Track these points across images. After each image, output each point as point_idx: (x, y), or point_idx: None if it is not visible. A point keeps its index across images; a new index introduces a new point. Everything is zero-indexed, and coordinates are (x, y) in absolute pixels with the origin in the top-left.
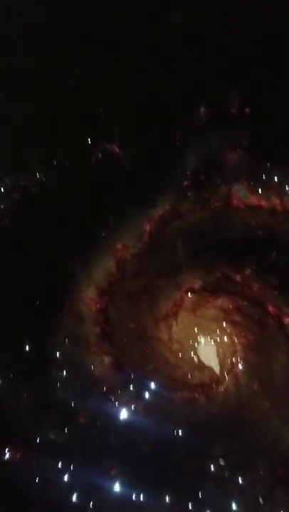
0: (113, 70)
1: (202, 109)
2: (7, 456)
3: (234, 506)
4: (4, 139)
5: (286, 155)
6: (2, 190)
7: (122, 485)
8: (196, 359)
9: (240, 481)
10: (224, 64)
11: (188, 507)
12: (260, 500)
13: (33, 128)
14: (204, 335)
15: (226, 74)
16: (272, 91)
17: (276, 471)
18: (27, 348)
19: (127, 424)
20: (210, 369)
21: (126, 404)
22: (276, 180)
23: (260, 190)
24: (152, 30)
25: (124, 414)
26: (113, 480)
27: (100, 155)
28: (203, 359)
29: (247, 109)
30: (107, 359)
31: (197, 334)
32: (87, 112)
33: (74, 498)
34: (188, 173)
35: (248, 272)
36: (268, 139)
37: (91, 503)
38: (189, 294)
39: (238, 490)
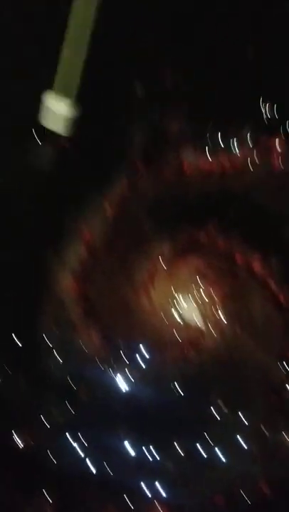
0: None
1: (138, 86)
2: (16, 438)
3: (240, 439)
4: None
5: (224, 116)
6: None
7: (132, 444)
8: (178, 318)
9: (241, 416)
10: (151, 42)
11: (197, 448)
12: (262, 427)
13: None
14: (182, 294)
15: (155, 51)
16: (200, 62)
17: (270, 399)
18: (16, 339)
19: (125, 388)
20: (193, 324)
21: (120, 371)
22: (220, 140)
23: (207, 153)
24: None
25: (120, 380)
26: (123, 441)
27: (52, 150)
28: (185, 316)
29: (180, 81)
30: (94, 335)
31: (175, 295)
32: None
33: (89, 464)
34: (136, 150)
35: (211, 230)
36: (205, 104)
37: (107, 466)
38: (161, 260)
39: (241, 424)
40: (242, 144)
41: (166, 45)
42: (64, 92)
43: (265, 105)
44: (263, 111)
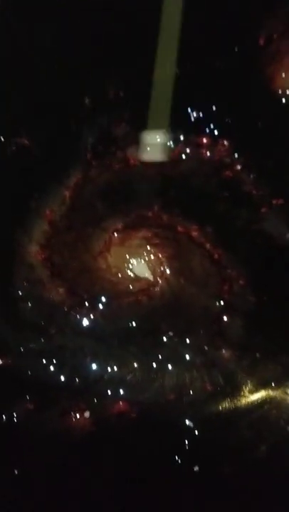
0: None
1: (86, 99)
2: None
3: (187, 357)
4: None
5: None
6: None
7: (98, 364)
8: (132, 275)
9: (187, 341)
10: (96, 58)
11: (152, 365)
12: (205, 348)
13: None
14: (135, 258)
15: (99, 66)
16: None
17: (212, 327)
18: None
19: (90, 326)
20: (145, 279)
21: (85, 315)
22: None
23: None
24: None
25: (86, 321)
26: (90, 361)
27: (14, 148)
28: (138, 274)
29: (121, 93)
30: (61, 290)
31: (129, 259)
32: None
33: (62, 377)
34: (88, 148)
35: (156, 208)
36: (144, 111)
37: (77, 380)
38: (115, 234)
39: (187, 346)
40: (176, 141)
41: (108, 63)
42: (158, 124)
43: (193, 112)
44: (192, 116)
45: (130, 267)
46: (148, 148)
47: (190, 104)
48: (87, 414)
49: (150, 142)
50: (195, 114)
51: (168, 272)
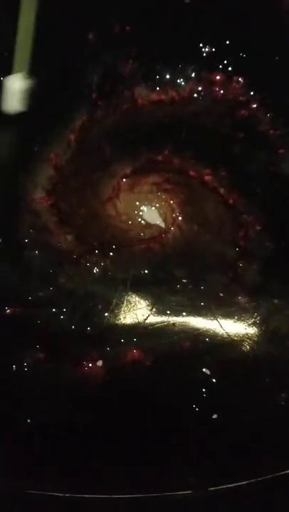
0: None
1: (90, 35)
2: (8, 311)
3: (201, 303)
4: None
5: (169, 56)
6: None
7: (109, 311)
8: (143, 222)
9: (202, 288)
10: None
11: (166, 311)
12: (221, 294)
13: None
14: (145, 204)
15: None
16: (146, 9)
17: (227, 274)
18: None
19: (100, 274)
20: (157, 225)
21: (96, 264)
22: (168, 77)
23: (157, 87)
24: None
25: (96, 270)
26: (102, 309)
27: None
28: (149, 220)
29: (128, 28)
30: (69, 237)
31: (139, 205)
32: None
33: (73, 327)
34: (93, 87)
35: (166, 151)
36: (152, 47)
37: (89, 329)
38: (124, 179)
39: (202, 293)
40: (187, 79)
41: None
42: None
43: (205, 46)
44: (204, 51)
45: (141, 213)
46: (9, 96)
47: (201, 38)
48: (99, 363)
49: (11, 88)
50: (207, 49)
51: (180, 218)
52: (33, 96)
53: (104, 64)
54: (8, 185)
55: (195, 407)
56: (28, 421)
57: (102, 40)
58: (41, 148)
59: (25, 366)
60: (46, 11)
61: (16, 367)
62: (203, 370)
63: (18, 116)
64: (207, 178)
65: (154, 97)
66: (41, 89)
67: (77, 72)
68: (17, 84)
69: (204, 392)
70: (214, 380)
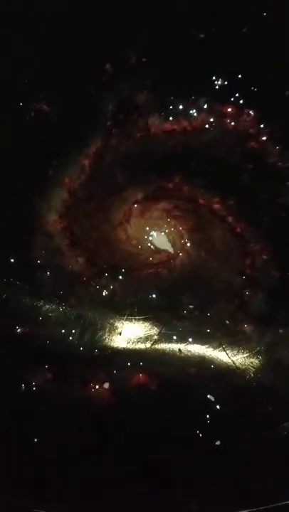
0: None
1: (107, 65)
2: (18, 331)
3: (207, 330)
4: None
5: (183, 88)
6: None
7: (117, 335)
8: (152, 247)
9: (208, 315)
10: (118, 22)
11: (173, 336)
12: (227, 322)
13: None
14: (155, 230)
15: (121, 30)
16: (162, 42)
17: (234, 302)
18: (12, 260)
19: (109, 297)
20: (165, 251)
21: (105, 287)
22: (181, 108)
23: (170, 117)
24: None
25: (105, 293)
26: (109, 332)
27: (33, 114)
28: (158, 246)
29: (144, 59)
30: (80, 260)
31: (149, 231)
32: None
33: (81, 349)
34: (108, 115)
35: (177, 179)
36: (167, 78)
37: (96, 351)
38: (135, 204)
39: (208, 320)
40: (200, 110)
41: (131, 28)
42: None
43: (218, 79)
44: (216, 84)
45: (150, 238)
46: None
47: (215, 71)
48: (106, 385)
49: None
50: (220, 82)
51: (189, 244)
52: (50, 121)
53: (119, 93)
54: (23, 207)
55: (198, 433)
56: (35, 440)
57: (119, 71)
58: (56, 172)
59: (33, 386)
60: (65, 39)
61: (24, 386)
62: (208, 396)
63: (35, 141)
64: (216, 206)
65: (167, 126)
66: (58, 115)
67: (93, 100)
68: None
69: (208, 419)
70: (218, 407)
